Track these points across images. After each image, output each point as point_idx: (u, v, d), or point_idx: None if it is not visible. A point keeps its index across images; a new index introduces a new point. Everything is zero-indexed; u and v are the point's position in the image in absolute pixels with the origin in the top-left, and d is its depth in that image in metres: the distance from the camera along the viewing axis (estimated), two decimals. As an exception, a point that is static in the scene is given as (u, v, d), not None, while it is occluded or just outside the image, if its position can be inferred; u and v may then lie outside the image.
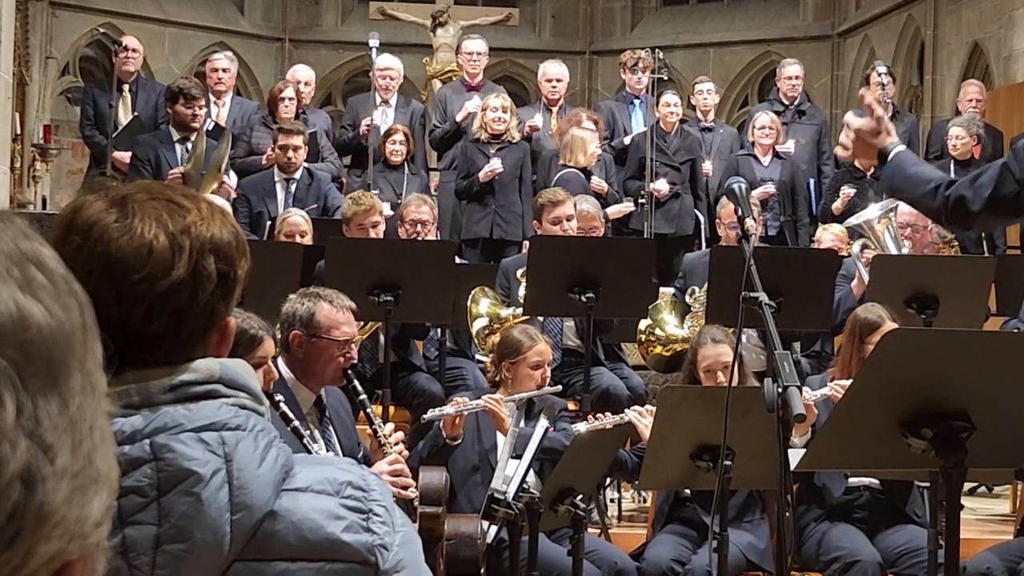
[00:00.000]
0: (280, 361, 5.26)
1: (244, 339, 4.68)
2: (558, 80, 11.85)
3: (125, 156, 10.64)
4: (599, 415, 6.60)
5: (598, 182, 10.72)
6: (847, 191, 11.45)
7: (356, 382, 5.52)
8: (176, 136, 10.01)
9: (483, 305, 7.73)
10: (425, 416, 6.46)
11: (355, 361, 5.59)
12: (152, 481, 1.69)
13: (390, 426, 5.59)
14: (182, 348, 1.79)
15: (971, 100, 12.23)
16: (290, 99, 11.08)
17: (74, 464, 0.86)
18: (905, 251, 8.33)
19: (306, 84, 11.82)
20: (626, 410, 6.62)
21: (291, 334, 5.43)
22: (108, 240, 1.74)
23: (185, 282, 1.77)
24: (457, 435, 6.32)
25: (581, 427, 6.49)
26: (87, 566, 0.89)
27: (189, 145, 10.00)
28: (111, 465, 0.90)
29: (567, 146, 10.57)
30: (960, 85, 13.82)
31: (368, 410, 5.54)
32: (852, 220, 8.87)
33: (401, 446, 5.49)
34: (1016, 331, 7.29)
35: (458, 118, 11.64)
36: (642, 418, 6.40)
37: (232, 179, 10.03)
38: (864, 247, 8.37)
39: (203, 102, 10.23)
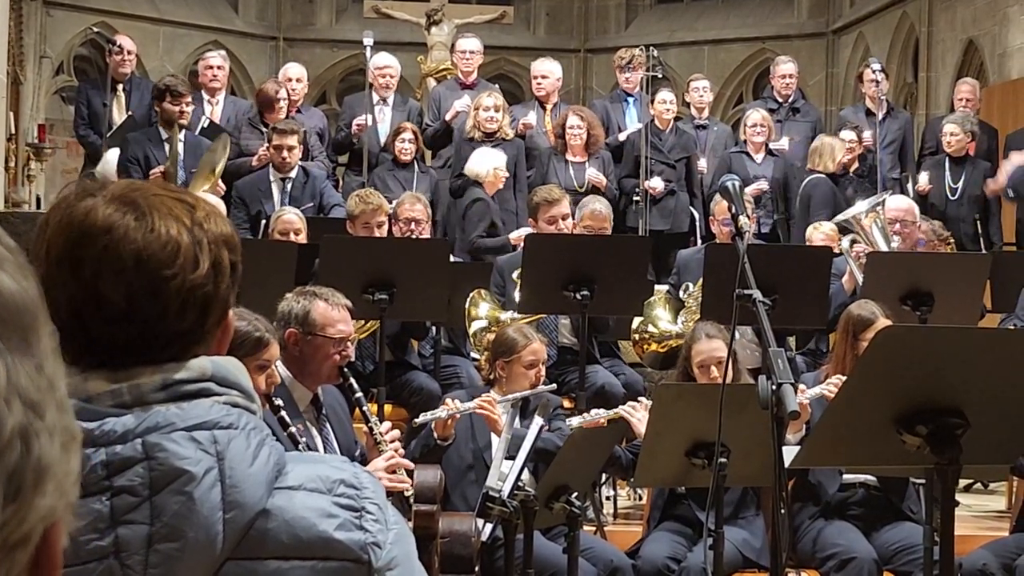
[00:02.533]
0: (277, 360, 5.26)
1: (251, 341, 4.68)
2: (543, 77, 11.86)
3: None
4: (592, 410, 6.62)
5: (596, 175, 10.74)
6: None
7: (352, 380, 5.52)
8: (164, 135, 10.08)
9: (482, 308, 7.72)
10: (416, 420, 6.45)
11: (351, 359, 5.59)
12: (144, 480, 1.69)
13: (386, 424, 5.59)
14: (204, 339, 1.82)
15: (961, 99, 12.22)
16: (284, 99, 11.08)
17: (60, 420, 0.91)
18: (895, 246, 8.34)
19: (298, 81, 11.80)
20: (620, 407, 6.63)
21: (287, 332, 5.44)
22: (134, 239, 1.76)
23: (209, 275, 1.80)
24: (448, 435, 6.31)
25: (574, 421, 6.50)
26: (63, 526, 0.93)
27: (179, 145, 10.04)
28: (76, 425, 0.95)
29: (816, 151, 10.96)
30: (955, 82, 13.83)
31: (364, 408, 5.54)
32: (840, 216, 8.90)
33: (398, 444, 5.50)
34: (1013, 327, 7.30)
35: (447, 117, 11.67)
36: (634, 412, 6.40)
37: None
38: (853, 242, 8.40)
39: (189, 99, 10.30)
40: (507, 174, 10.52)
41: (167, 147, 10.05)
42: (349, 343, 5.54)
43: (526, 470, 5.39)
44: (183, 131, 10.11)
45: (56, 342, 0.94)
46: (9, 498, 0.86)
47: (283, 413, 5.02)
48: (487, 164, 10.41)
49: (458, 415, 6.32)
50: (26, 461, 0.87)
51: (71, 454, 0.92)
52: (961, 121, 11.38)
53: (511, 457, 5.36)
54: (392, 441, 5.44)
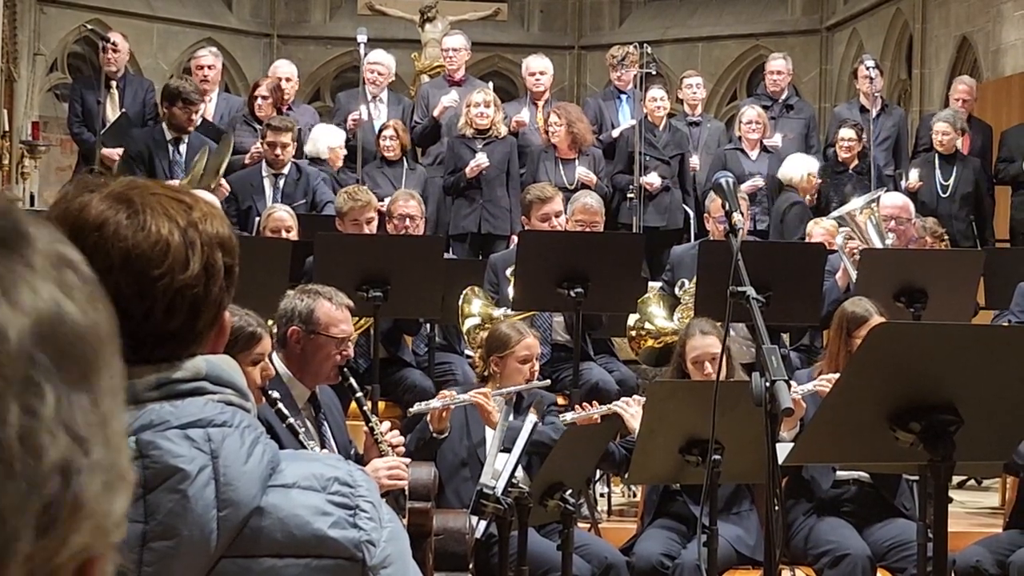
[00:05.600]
0: (276, 357, 5.27)
1: (243, 336, 4.69)
2: (541, 73, 11.88)
3: (113, 153, 10.66)
4: (586, 405, 6.62)
5: (586, 173, 10.73)
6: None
7: (352, 380, 5.52)
8: (169, 136, 10.10)
9: (475, 305, 7.73)
10: (412, 409, 6.47)
11: (351, 358, 5.60)
12: (138, 478, 1.68)
13: (386, 424, 5.59)
14: (196, 341, 1.81)
15: (958, 99, 12.20)
16: (263, 97, 11.07)
17: (106, 459, 0.88)
18: (889, 243, 8.35)
19: (287, 80, 11.81)
20: (613, 403, 6.64)
21: (289, 330, 5.44)
22: (124, 236, 1.76)
23: (199, 276, 1.79)
24: (444, 429, 6.32)
25: (568, 417, 6.50)
26: (103, 565, 0.91)
27: (183, 147, 10.07)
28: (129, 466, 0.93)
29: None
30: (949, 79, 13.83)
31: (364, 407, 5.53)
32: (836, 212, 8.90)
33: (401, 448, 5.48)
34: (1007, 324, 7.31)
35: (435, 113, 11.69)
36: (628, 408, 6.41)
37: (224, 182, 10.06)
38: (848, 238, 8.40)
39: (199, 107, 10.30)
40: (819, 180, 10.88)
41: (171, 149, 10.06)
42: (349, 343, 5.56)
43: (520, 467, 5.39)
44: (187, 135, 10.15)
45: (118, 380, 0.92)
46: (41, 531, 0.84)
47: (280, 406, 5.03)
48: (801, 169, 10.80)
49: (453, 406, 6.34)
50: (63, 496, 0.85)
51: (115, 494, 0.89)
52: (951, 118, 11.38)
53: (506, 450, 5.36)
54: (397, 446, 5.42)
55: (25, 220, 0.90)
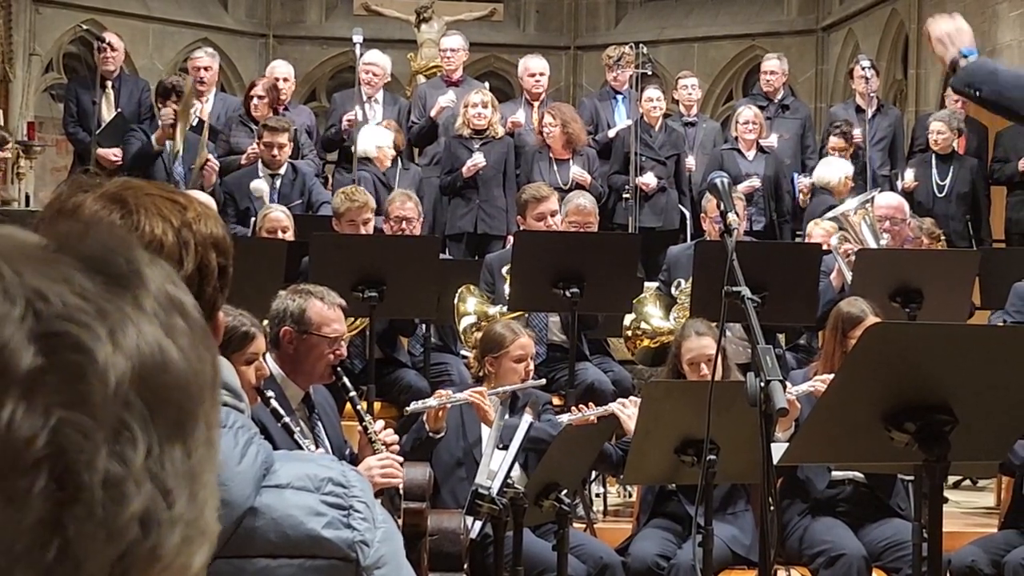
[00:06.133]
0: (269, 357, 5.26)
1: (237, 335, 4.69)
2: (541, 74, 11.88)
3: (109, 153, 10.67)
4: (582, 406, 6.62)
5: (580, 173, 10.73)
6: (803, 182, 11.52)
7: (346, 379, 5.52)
8: None
9: (470, 304, 7.73)
10: (409, 408, 6.47)
11: (344, 358, 5.60)
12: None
13: (380, 423, 5.59)
14: None
15: (957, 100, 12.18)
16: (259, 97, 11.07)
17: (189, 513, 0.87)
18: (883, 243, 8.34)
19: (285, 80, 11.80)
20: (610, 404, 6.64)
21: (282, 330, 5.44)
22: None
23: (192, 277, 1.78)
24: (440, 428, 6.32)
25: (564, 419, 6.51)
26: None
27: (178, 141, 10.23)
28: (215, 521, 0.92)
29: None
30: (945, 79, 13.81)
31: (358, 407, 5.53)
32: (830, 213, 8.90)
33: (396, 445, 5.48)
34: (1002, 324, 7.31)
35: (432, 113, 11.69)
36: (624, 408, 6.40)
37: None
38: (843, 239, 8.39)
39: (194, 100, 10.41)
40: (853, 184, 10.92)
41: (168, 143, 10.16)
42: (342, 342, 5.55)
43: (516, 467, 5.39)
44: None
45: (215, 433, 0.91)
46: None
47: (275, 404, 5.03)
48: (838, 172, 10.96)
49: (449, 405, 6.33)
50: (140, 546, 0.84)
51: (194, 548, 0.88)
52: (947, 118, 11.38)
53: (503, 449, 5.36)
54: (392, 444, 5.42)
55: (141, 259, 0.89)
